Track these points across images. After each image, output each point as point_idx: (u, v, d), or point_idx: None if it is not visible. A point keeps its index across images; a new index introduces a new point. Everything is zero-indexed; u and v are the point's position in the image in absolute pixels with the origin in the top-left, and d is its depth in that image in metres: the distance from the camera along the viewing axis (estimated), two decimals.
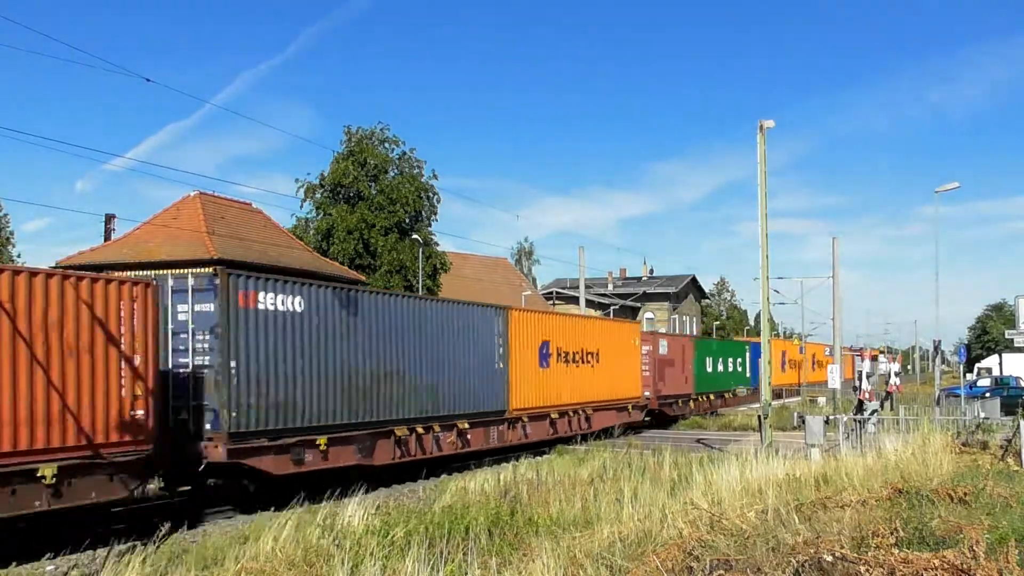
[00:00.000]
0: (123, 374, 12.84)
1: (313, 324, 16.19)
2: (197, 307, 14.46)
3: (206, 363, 14.35)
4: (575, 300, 60.37)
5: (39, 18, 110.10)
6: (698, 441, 26.43)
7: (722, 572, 7.53)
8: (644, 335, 32.96)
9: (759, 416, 23.14)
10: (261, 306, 15.05)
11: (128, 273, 14.68)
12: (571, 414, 26.03)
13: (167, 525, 11.25)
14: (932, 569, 7.17)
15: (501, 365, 22.57)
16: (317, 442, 15.99)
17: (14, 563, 11.08)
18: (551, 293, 77.76)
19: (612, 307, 69.87)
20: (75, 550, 11.77)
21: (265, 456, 15.00)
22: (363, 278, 41.02)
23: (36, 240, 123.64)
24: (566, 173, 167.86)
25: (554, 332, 25.51)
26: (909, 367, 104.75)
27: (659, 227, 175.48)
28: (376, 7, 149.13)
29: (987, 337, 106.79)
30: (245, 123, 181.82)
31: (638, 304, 79.05)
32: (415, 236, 45.37)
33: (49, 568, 10.80)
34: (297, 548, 9.57)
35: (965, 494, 11.27)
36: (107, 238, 36.06)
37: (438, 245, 48.64)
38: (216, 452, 14.04)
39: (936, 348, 37.40)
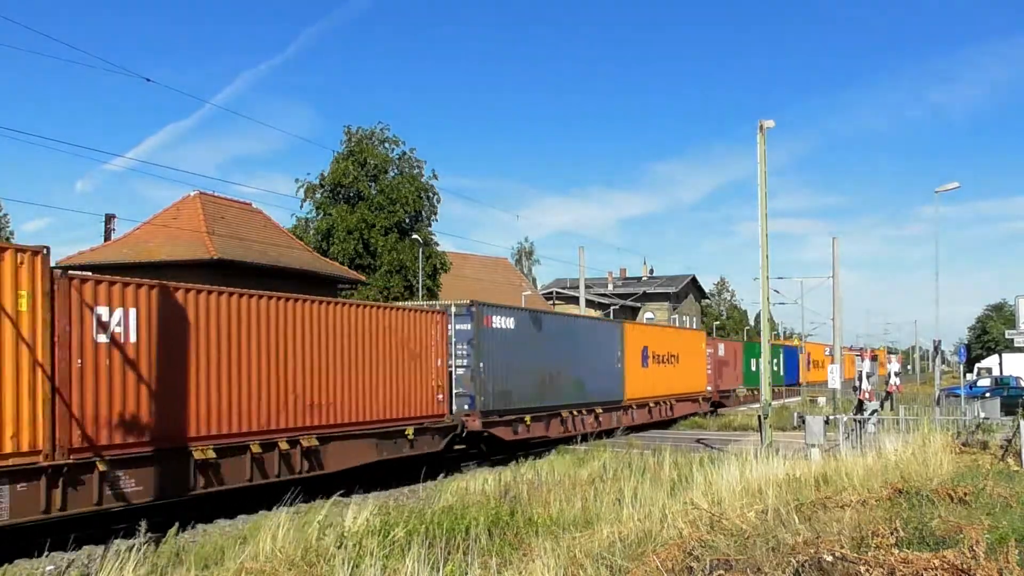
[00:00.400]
0: (434, 371, 19.60)
1: (519, 337, 23.11)
2: (458, 326, 20.83)
3: (464, 364, 20.95)
4: (575, 300, 60.36)
5: (39, 18, 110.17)
6: (698, 441, 26.42)
7: (722, 572, 7.53)
8: (708, 340, 40.38)
9: (759, 416, 23.13)
10: (494, 326, 21.99)
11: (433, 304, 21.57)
12: (662, 403, 33.08)
13: (176, 524, 11.29)
14: (932, 569, 7.17)
15: (619, 365, 29.66)
16: (525, 419, 23.22)
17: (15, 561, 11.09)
18: (551, 293, 77.73)
19: (612, 307, 69.83)
20: (72, 549, 11.77)
21: (498, 427, 22.08)
22: (363, 278, 40.99)
23: (36, 240, 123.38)
24: (566, 173, 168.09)
25: (651, 339, 32.83)
26: (909, 367, 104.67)
27: (659, 227, 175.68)
28: (376, 7, 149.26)
29: (987, 337, 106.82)
30: (245, 123, 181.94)
31: (638, 304, 79.05)
32: (415, 236, 45.35)
33: (49, 568, 10.80)
34: (297, 548, 9.56)
35: (965, 494, 11.27)
36: (107, 238, 36.04)
37: (438, 245, 48.64)
38: (475, 424, 20.93)
39: (936, 348, 37.42)
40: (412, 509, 12.70)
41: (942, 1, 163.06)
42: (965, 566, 7.20)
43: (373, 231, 45.13)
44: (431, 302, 22.07)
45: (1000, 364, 61.74)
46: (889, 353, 63.56)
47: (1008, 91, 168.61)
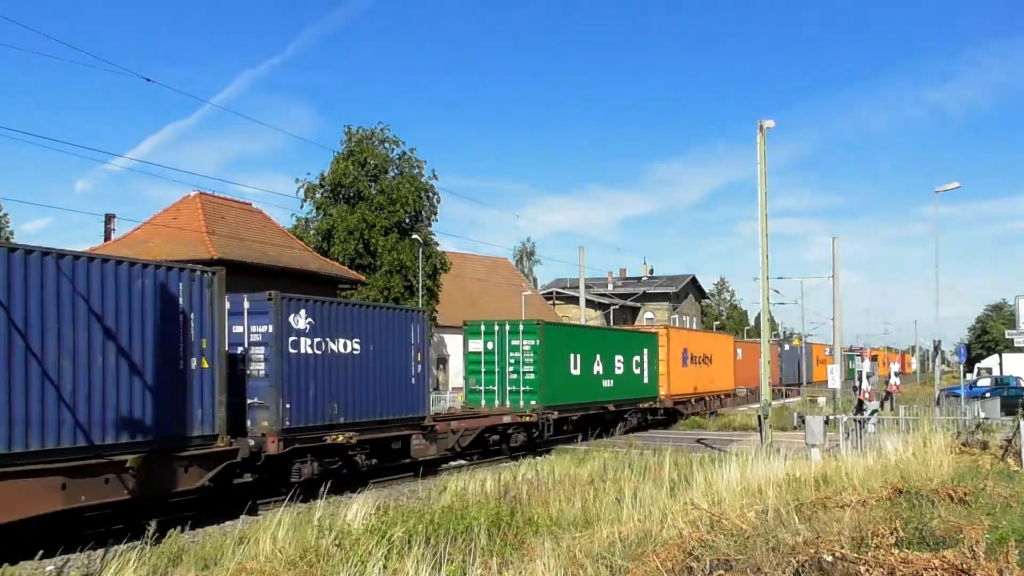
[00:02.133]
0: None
1: (792, 355, 61.01)
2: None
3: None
4: (575, 300, 60.39)
5: (39, 18, 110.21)
6: (698, 441, 26.43)
7: (722, 572, 7.53)
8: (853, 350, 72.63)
9: (759, 416, 23.14)
10: (785, 348, 61.36)
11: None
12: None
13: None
14: (932, 569, 7.17)
15: (806, 363, 63.21)
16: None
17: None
18: (551, 293, 77.76)
19: (612, 307, 69.85)
20: (71, 550, 11.78)
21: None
22: (363, 278, 40.99)
23: (36, 240, 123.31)
24: (566, 173, 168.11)
25: (818, 351, 64.92)
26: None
27: (659, 227, 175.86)
28: (376, 7, 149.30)
29: (987, 337, 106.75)
30: (245, 123, 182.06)
31: (638, 304, 79.07)
32: (415, 236, 45.35)
33: (49, 568, 10.80)
34: (297, 548, 9.56)
35: (965, 494, 11.27)
36: (107, 238, 36.06)
37: (438, 245, 48.62)
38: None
39: (936, 348, 37.45)
40: (412, 509, 12.69)
41: (942, 1, 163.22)
42: (965, 566, 7.20)
43: (373, 231, 45.12)
44: (775, 338, 64.92)
45: (1000, 364, 61.83)
46: (889, 351, 67.93)
47: (1008, 91, 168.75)
